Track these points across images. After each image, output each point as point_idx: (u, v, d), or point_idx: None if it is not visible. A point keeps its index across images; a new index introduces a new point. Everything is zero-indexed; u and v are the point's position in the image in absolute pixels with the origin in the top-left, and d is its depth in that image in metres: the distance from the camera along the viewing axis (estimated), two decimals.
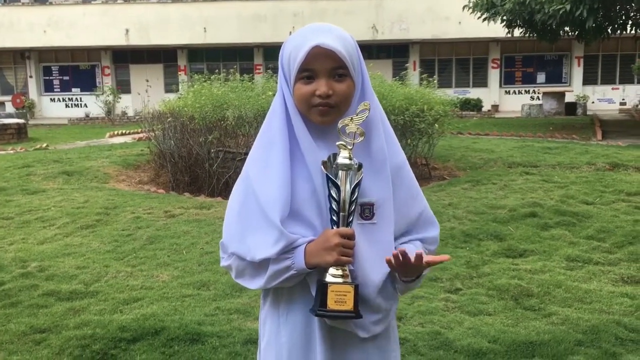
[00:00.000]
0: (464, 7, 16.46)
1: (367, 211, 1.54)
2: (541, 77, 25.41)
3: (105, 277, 4.53)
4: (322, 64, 1.48)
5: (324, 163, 1.49)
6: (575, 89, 24.30)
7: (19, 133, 15.79)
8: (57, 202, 6.87)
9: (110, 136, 15.87)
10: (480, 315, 3.81)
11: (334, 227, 1.48)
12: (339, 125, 1.49)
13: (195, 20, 24.43)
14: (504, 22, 15.96)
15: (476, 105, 23.04)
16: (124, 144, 12.51)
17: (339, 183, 1.47)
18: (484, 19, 16.10)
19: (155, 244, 5.28)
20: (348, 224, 1.49)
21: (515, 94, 25.48)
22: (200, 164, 7.91)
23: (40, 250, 5.18)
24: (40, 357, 3.32)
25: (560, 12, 13.11)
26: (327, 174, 1.47)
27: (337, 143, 1.48)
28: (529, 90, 25.41)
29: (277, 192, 1.49)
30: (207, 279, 4.41)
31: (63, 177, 8.54)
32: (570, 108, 21.45)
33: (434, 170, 8.87)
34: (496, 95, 25.24)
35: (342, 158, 1.47)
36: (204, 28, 24.43)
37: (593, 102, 24.10)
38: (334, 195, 1.47)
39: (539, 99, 23.46)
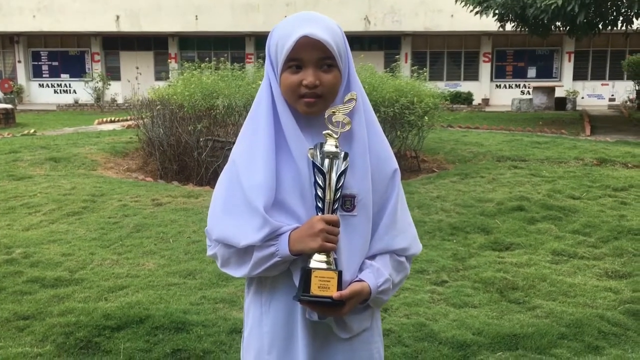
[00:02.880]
0: (456, 0, 16.44)
1: (349, 203, 1.53)
2: (532, 72, 25.46)
3: (90, 264, 4.51)
4: (310, 54, 1.47)
5: (310, 151, 1.49)
6: (565, 84, 24.38)
7: (7, 118, 15.63)
8: (43, 189, 6.82)
9: (99, 123, 15.75)
10: (466, 308, 3.83)
11: (319, 214, 1.48)
12: (326, 114, 1.49)
13: (187, 8, 24.23)
14: (496, 16, 15.95)
15: (467, 98, 23.07)
16: (113, 131, 12.43)
17: (324, 170, 1.46)
18: (476, 13, 16.08)
19: (142, 232, 5.25)
20: (333, 212, 1.49)
21: (506, 88, 25.53)
22: (189, 152, 7.87)
23: (25, 236, 5.14)
24: (24, 344, 3.30)
25: (552, 6, 13.12)
26: (313, 161, 1.47)
27: (324, 132, 1.48)
28: (519, 85, 25.47)
29: (262, 180, 1.48)
30: (194, 267, 4.39)
31: (50, 163, 8.48)
32: (560, 103, 21.53)
33: (424, 163, 8.88)
34: (487, 89, 25.27)
35: (329, 146, 1.48)
36: (196, 16, 24.23)
37: (583, 98, 24.21)
38: (319, 182, 1.47)
39: (529, 94, 23.53)
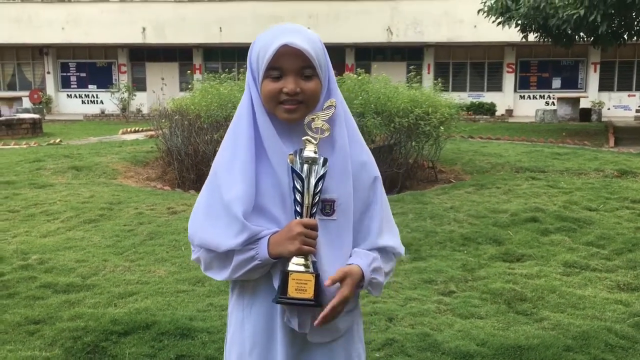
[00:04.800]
0: (478, 11, 16.40)
1: (328, 207, 1.57)
2: (557, 83, 25.20)
3: (103, 271, 4.59)
4: (290, 62, 1.52)
5: (290, 157, 1.53)
6: (590, 95, 24.06)
7: (34, 128, 15.99)
8: (63, 197, 6.97)
9: (123, 133, 16.02)
10: (472, 319, 3.81)
11: (298, 218, 1.51)
12: (305, 120, 1.53)
13: (211, 19, 24.57)
14: (519, 27, 15.86)
15: (489, 109, 22.90)
16: (135, 141, 12.63)
17: (303, 175, 1.50)
18: (499, 23, 16.02)
19: (155, 239, 5.34)
20: (311, 216, 1.52)
21: (530, 99, 25.29)
22: (206, 162, 7.96)
23: (42, 243, 5.25)
24: (33, 348, 3.37)
25: (574, 17, 13.00)
26: (292, 167, 1.51)
27: (303, 138, 1.52)
28: (543, 96, 25.21)
29: (241, 187, 1.53)
30: (203, 275, 4.42)
31: (72, 172, 8.66)
32: (585, 114, 21.24)
33: (441, 174, 8.85)
34: (510, 100, 25.07)
35: (308, 151, 1.52)
36: (220, 28, 24.56)
37: (609, 109, 23.85)
38: (298, 187, 1.51)
39: (553, 105, 23.28)
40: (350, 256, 1.60)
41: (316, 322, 1.51)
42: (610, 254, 4.97)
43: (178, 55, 26.78)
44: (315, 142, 1.52)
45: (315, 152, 1.52)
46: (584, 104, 22.33)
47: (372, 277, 1.58)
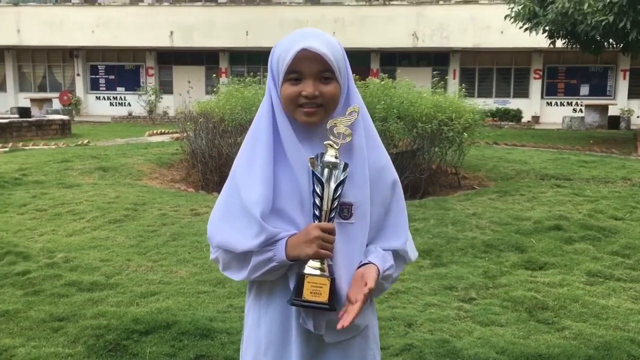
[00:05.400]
0: (505, 17, 16.26)
1: (346, 211, 1.58)
2: (585, 89, 24.85)
3: (126, 270, 4.66)
4: (309, 66, 1.54)
5: (311, 160, 1.54)
6: (619, 102, 23.68)
7: (63, 129, 16.29)
8: (89, 197, 7.09)
9: (150, 135, 16.23)
10: (492, 326, 3.78)
11: (316, 222, 1.53)
12: (328, 125, 1.55)
13: (238, 23, 24.78)
14: (546, 33, 15.69)
15: (515, 115, 22.67)
16: (161, 143, 12.79)
17: (323, 180, 1.52)
18: (526, 29, 15.86)
19: (178, 240, 5.40)
20: (330, 220, 1.54)
21: (557, 105, 24.99)
22: (229, 164, 8.00)
23: (68, 242, 5.35)
24: (57, 344, 3.44)
25: (604, 23, 12.83)
26: (312, 171, 1.53)
27: (325, 142, 1.54)
28: (571, 102, 24.89)
29: (259, 189, 1.55)
30: (224, 277, 4.42)
31: (99, 172, 8.80)
32: (614, 122, 20.91)
33: (464, 180, 8.80)
34: (537, 106, 24.80)
35: (329, 156, 1.53)
36: (246, 32, 24.76)
37: (638, 117, 23.44)
38: (318, 191, 1.52)
39: (581, 112, 22.97)
40: (367, 252, 1.61)
41: (344, 323, 1.49)
42: (635, 264, 4.89)
43: (205, 58, 27.06)
44: (336, 147, 1.54)
45: (336, 157, 1.53)
46: (613, 111, 21.99)
47: (380, 283, 1.59)
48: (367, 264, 1.58)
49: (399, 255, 1.67)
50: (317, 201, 1.53)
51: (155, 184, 8.37)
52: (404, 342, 3.48)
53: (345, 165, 1.54)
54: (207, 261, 4.86)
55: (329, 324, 1.57)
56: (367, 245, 1.62)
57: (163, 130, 17.08)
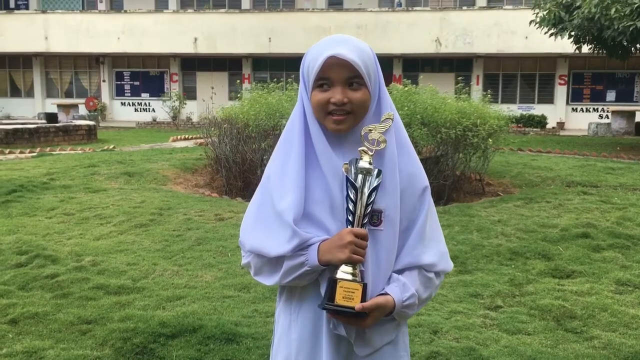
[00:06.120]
0: (530, 22, 16.12)
1: (375, 218, 1.58)
2: (611, 95, 24.51)
3: (152, 274, 4.71)
4: (338, 73, 1.55)
5: (345, 166, 1.56)
6: None
7: (89, 134, 16.54)
8: (115, 201, 7.18)
9: (174, 140, 16.39)
10: (519, 335, 3.74)
11: (349, 227, 1.54)
12: (362, 131, 1.57)
13: (260, 30, 24.96)
14: (572, 38, 15.51)
15: (540, 121, 22.44)
16: (185, 148, 12.90)
17: (357, 185, 1.53)
18: (551, 35, 15.70)
19: (203, 245, 5.44)
20: (362, 226, 1.54)
21: (583, 111, 24.68)
22: (253, 169, 8.08)
23: (95, 245, 5.43)
24: (85, 347, 3.49)
25: (631, 28, 12.64)
26: (347, 176, 1.54)
27: (359, 148, 1.56)
28: (597, 109, 24.56)
29: (292, 195, 1.56)
30: (249, 281, 4.50)
31: (125, 177, 8.90)
32: None
33: (488, 186, 8.72)
34: (562, 112, 24.52)
35: (363, 162, 1.55)
36: (269, 38, 24.91)
37: None
38: (351, 196, 1.53)
39: (607, 118, 22.64)
40: (390, 279, 1.60)
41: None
42: None
43: (228, 65, 27.28)
44: (371, 154, 1.55)
45: (370, 164, 1.55)
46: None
47: (402, 311, 1.59)
48: (384, 294, 1.57)
49: (428, 272, 1.64)
50: (351, 206, 1.54)
51: (180, 189, 8.44)
52: (429, 349, 3.46)
53: (379, 172, 1.55)
54: (232, 266, 4.89)
55: (358, 336, 1.57)
56: (397, 254, 1.62)
57: (187, 136, 17.23)
